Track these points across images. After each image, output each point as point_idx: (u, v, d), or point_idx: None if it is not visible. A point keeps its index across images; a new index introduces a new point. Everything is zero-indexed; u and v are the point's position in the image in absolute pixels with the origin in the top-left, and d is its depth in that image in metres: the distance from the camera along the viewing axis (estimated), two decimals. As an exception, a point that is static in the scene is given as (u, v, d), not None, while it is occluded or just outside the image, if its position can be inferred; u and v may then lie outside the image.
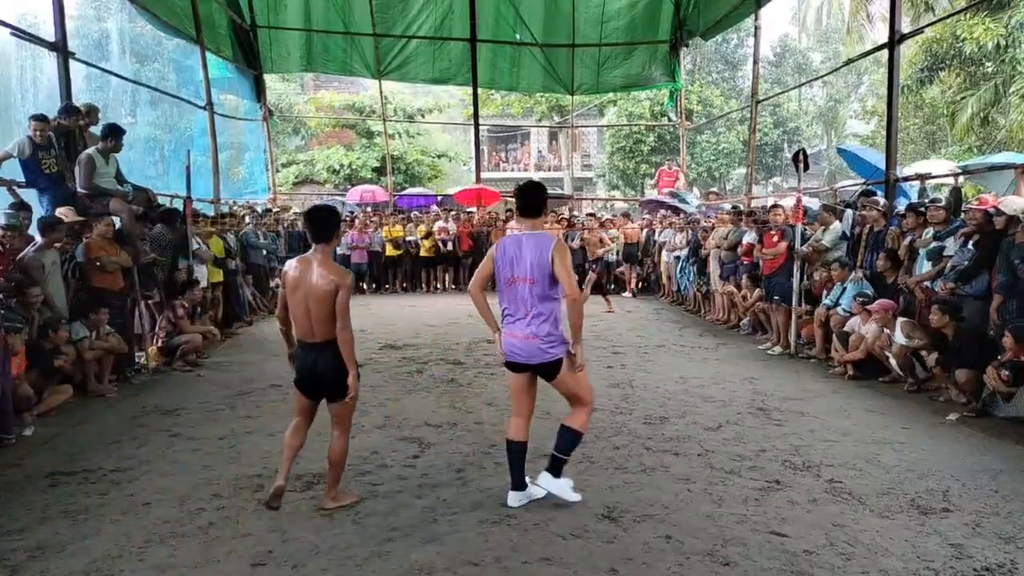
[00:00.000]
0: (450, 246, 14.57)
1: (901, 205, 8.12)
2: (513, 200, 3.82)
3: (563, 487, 3.79)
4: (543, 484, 3.79)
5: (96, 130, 7.50)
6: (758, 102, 14.68)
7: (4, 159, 6.54)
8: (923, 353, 6.19)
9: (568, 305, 3.54)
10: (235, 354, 8.29)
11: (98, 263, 6.60)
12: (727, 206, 12.16)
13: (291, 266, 3.59)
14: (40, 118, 6.66)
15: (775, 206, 9.09)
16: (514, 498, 3.76)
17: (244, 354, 8.27)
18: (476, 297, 3.76)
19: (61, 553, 3.28)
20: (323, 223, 3.58)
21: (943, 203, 6.97)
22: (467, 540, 3.38)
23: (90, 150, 6.98)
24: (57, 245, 6.31)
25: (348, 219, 15.13)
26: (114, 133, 7.15)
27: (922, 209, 7.03)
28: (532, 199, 3.70)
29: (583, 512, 3.70)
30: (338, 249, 14.51)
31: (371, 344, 8.58)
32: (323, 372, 3.57)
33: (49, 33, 7.54)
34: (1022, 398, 5.11)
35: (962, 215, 6.55)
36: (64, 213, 6.60)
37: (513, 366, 3.71)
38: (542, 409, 5.67)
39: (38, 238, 6.37)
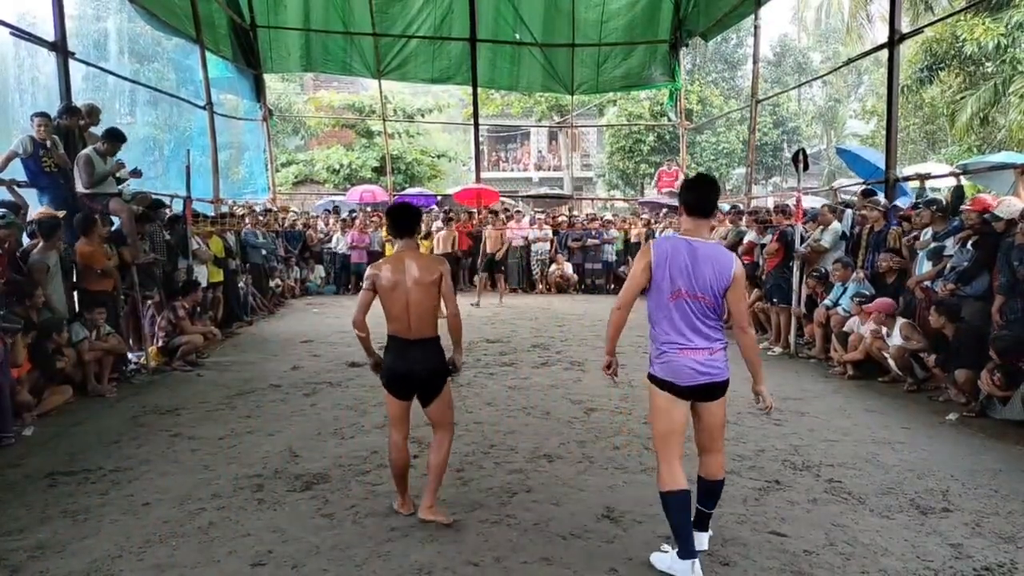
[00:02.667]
0: (450, 246, 14.56)
1: (902, 202, 8.12)
2: (682, 195, 3.17)
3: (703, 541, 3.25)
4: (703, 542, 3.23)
5: (97, 131, 7.49)
6: (758, 102, 14.67)
7: (11, 158, 6.54)
8: (922, 354, 6.19)
9: (744, 340, 3.12)
10: (235, 354, 8.28)
11: (100, 271, 6.61)
12: (725, 206, 12.15)
13: (381, 268, 3.53)
14: (42, 115, 6.66)
15: (778, 207, 9.07)
16: (700, 567, 2.99)
17: (244, 354, 8.26)
18: (620, 319, 3.17)
19: (61, 553, 3.28)
20: (404, 219, 3.59)
21: (941, 203, 6.97)
22: (467, 540, 3.38)
23: (87, 150, 6.97)
24: (58, 246, 6.32)
25: (348, 219, 15.16)
26: (112, 139, 7.10)
27: (919, 207, 7.03)
28: (708, 194, 3.11)
29: (583, 512, 3.70)
30: (338, 249, 14.60)
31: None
32: (420, 370, 3.53)
33: (48, 32, 7.53)
34: (1017, 400, 5.12)
35: (960, 216, 6.54)
36: (43, 213, 6.60)
37: (688, 392, 3.07)
38: (541, 409, 5.69)
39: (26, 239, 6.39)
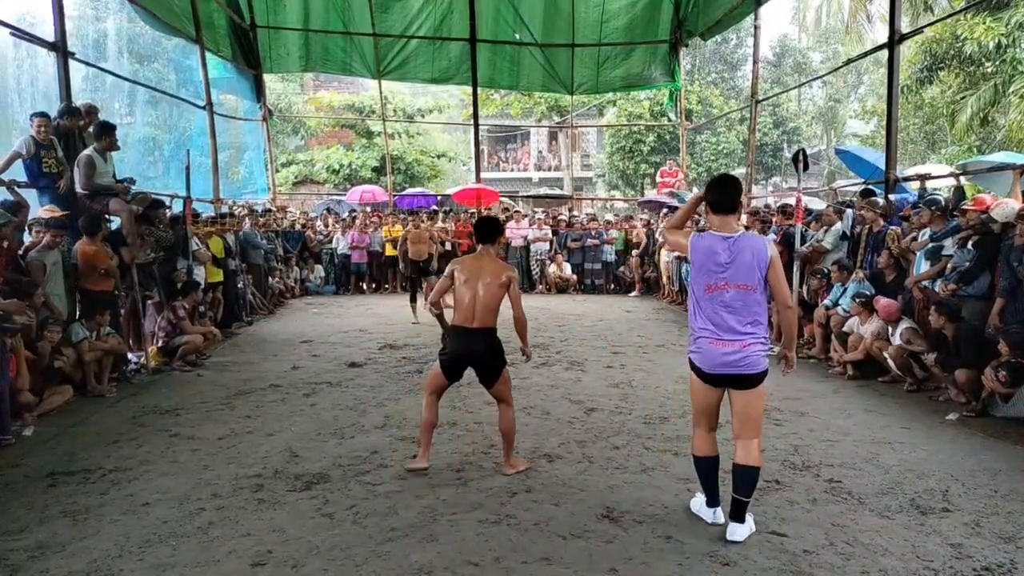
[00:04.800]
0: (448, 246, 14.55)
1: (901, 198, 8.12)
2: (706, 195, 3.47)
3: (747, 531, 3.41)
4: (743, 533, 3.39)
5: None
6: (758, 102, 14.68)
7: (13, 159, 6.53)
8: (922, 354, 6.19)
9: (787, 314, 3.48)
10: (235, 354, 8.28)
11: (103, 271, 6.61)
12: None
13: (462, 263, 4.28)
14: (42, 115, 6.65)
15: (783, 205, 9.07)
16: (721, 514, 3.49)
17: (244, 354, 8.26)
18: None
19: (61, 553, 3.28)
20: (487, 229, 4.35)
21: (940, 203, 6.98)
22: (467, 540, 3.38)
23: (88, 150, 6.96)
24: (59, 245, 6.32)
25: (348, 219, 15.16)
26: (106, 131, 7.09)
27: (920, 207, 7.03)
28: (731, 194, 3.40)
29: (583, 512, 3.70)
30: (338, 249, 14.61)
31: (371, 344, 8.58)
32: (475, 355, 4.16)
33: (48, 32, 7.52)
34: (1020, 398, 5.12)
35: (958, 217, 6.54)
36: (49, 210, 6.60)
37: (716, 379, 3.39)
38: (541, 409, 5.69)
39: (27, 237, 6.37)
